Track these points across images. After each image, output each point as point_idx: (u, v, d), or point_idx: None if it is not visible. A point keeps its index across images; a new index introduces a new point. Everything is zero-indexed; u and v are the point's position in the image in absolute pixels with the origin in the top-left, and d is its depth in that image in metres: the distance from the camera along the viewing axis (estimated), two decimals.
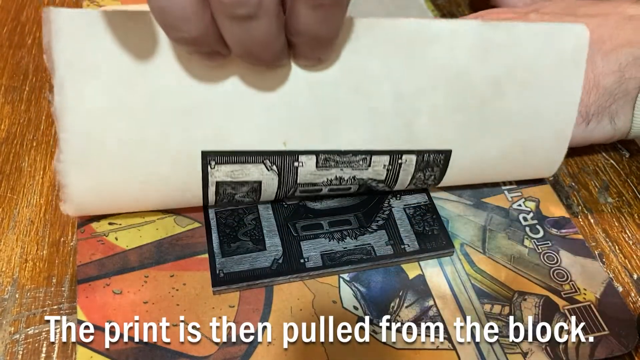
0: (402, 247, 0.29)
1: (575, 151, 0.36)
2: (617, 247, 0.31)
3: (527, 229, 0.31)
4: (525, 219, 0.32)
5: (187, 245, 0.29)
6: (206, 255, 0.28)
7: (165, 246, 0.29)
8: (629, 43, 0.31)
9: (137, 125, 0.25)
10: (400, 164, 0.28)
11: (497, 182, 0.33)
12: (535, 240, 0.31)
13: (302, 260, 0.28)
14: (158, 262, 0.28)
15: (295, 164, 0.27)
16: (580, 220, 0.32)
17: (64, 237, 0.29)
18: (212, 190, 0.27)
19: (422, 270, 0.29)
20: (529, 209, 0.32)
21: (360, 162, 0.28)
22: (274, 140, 0.26)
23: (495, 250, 0.30)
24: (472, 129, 0.28)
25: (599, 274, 0.29)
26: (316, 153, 0.27)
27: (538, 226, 0.31)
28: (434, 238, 0.30)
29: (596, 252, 0.31)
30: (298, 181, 0.28)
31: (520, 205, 0.32)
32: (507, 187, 0.33)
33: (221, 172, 0.26)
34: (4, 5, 0.44)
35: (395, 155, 0.28)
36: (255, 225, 0.30)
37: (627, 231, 0.32)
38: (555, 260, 0.30)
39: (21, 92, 0.37)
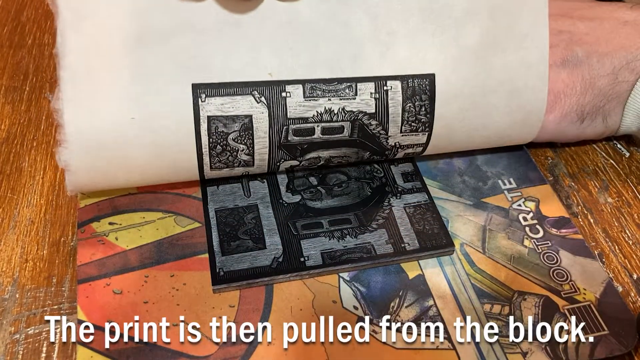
0: (402, 245, 0.29)
1: (575, 151, 0.36)
2: (616, 247, 0.31)
3: (527, 228, 0.31)
4: (525, 218, 0.32)
5: (187, 245, 0.29)
6: (206, 255, 0.29)
7: (165, 246, 0.29)
8: (622, 47, 0.32)
9: (131, 63, 0.26)
10: (386, 90, 0.29)
11: (491, 143, 0.33)
12: (535, 240, 0.31)
13: (302, 259, 0.28)
14: (158, 262, 0.28)
15: (283, 94, 0.28)
16: (580, 220, 0.32)
17: (64, 237, 0.29)
18: (204, 128, 0.27)
19: (422, 270, 0.29)
20: (528, 209, 0.32)
21: (347, 90, 0.28)
22: (260, 72, 0.28)
23: (495, 250, 0.30)
24: (451, 52, 0.29)
25: (599, 274, 0.29)
26: (302, 82, 0.28)
27: (538, 226, 0.31)
28: (434, 237, 0.30)
29: (596, 252, 0.31)
30: (288, 115, 0.28)
31: (520, 205, 0.32)
32: (507, 187, 0.33)
33: (212, 106, 0.27)
34: (4, 5, 0.44)
35: (379, 81, 0.29)
36: (255, 223, 0.30)
37: (627, 231, 0.32)
38: (555, 260, 0.30)
39: (21, 92, 0.37)
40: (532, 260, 0.30)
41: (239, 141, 0.28)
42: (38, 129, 0.35)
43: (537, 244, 0.30)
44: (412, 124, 0.30)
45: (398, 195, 0.32)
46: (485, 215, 0.32)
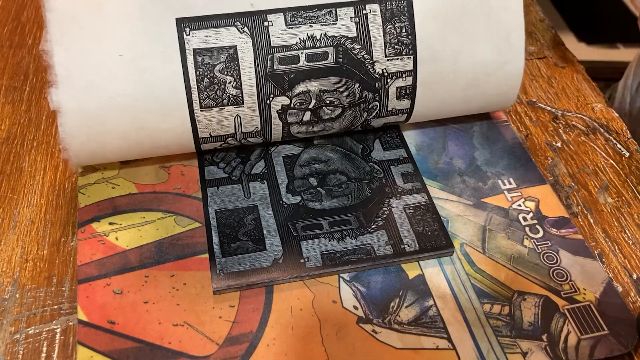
0: (402, 247, 0.29)
1: (575, 151, 0.36)
2: (616, 247, 0.31)
3: (527, 229, 0.31)
4: (525, 219, 0.32)
5: (187, 245, 0.29)
6: (206, 255, 0.29)
7: (166, 246, 0.29)
8: None
9: (115, 2, 0.27)
10: (366, 14, 0.29)
11: (475, 92, 0.33)
12: (535, 240, 0.31)
13: (302, 260, 0.28)
14: (158, 261, 0.28)
15: (265, 23, 0.29)
16: (580, 220, 0.32)
17: (64, 237, 0.29)
18: (190, 61, 0.28)
19: (422, 270, 0.29)
20: (528, 209, 0.32)
21: (327, 16, 0.29)
22: (242, 3, 0.28)
23: (495, 250, 0.30)
24: None
25: (599, 274, 0.29)
26: (283, 11, 0.29)
27: (538, 226, 0.31)
28: (434, 238, 0.30)
29: (596, 252, 0.31)
30: (272, 44, 0.29)
31: (520, 205, 0.32)
32: (507, 187, 0.33)
33: (196, 39, 0.28)
34: (4, 6, 0.44)
35: (358, 5, 0.29)
36: (255, 225, 0.30)
37: (627, 231, 0.32)
38: (555, 260, 0.30)
39: (22, 92, 0.37)
40: (532, 260, 0.30)
41: (226, 72, 0.28)
42: (38, 129, 0.35)
43: (537, 244, 0.30)
44: (395, 46, 0.30)
45: (398, 196, 0.32)
46: (485, 215, 0.32)
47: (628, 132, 0.37)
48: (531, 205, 0.32)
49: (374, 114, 0.32)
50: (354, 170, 0.33)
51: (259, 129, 0.31)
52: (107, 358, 0.25)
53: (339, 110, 0.31)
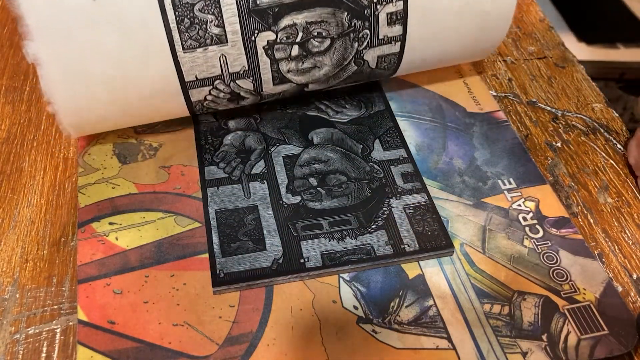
0: (402, 247, 0.29)
1: (575, 151, 0.36)
2: (616, 247, 0.31)
3: (527, 228, 0.31)
4: (524, 218, 0.32)
5: (187, 245, 0.29)
6: (206, 255, 0.29)
7: (166, 246, 0.29)
8: None
9: None
10: None
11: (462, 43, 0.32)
12: (534, 240, 0.31)
13: (302, 260, 0.28)
14: (158, 261, 0.28)
15: None
16: (580, 220, 0.32)
17: (64, 237, 0.29)
18: (168, 2, 0.27)
19: (422, 270, 0.29)
20: (528, 209, 0.32)
21: None
22: None
23: (495, 250, 0.30)
24: None
25: (599, 273, 0.29)
26: None
27: (538, 226, 0.31)
28: (434, 238, 0.30)
29: (596, 252, 0.31)
30: None
31: (519, 205, 0.32)
32: (507, 187, 0.33)
33: None
34: (4, 5, 0.44)
35: None
36: (255, 225, 0.30)
37: (627, 231, 0.32)
38: (555, 260, 0.30)
39: (22, 92, 0.37)
40: (532, 260, 0.30)
41: (206, 11, 0.27)
42: (38, 129, 0.35)
43: (537, 244, 0.30)
44: None
45: (398, 196, 0.32)
46: (485, 215, 0.32)
47: (628, 132, 0.37)
48: (531, 205, 0.32)
49: (365, 43, 0.31)
50: (354, 170, 0.33)
51: (247, 68, 0.30)
52: (107, 358, 0.25)
53: (327, 42, 0.30)
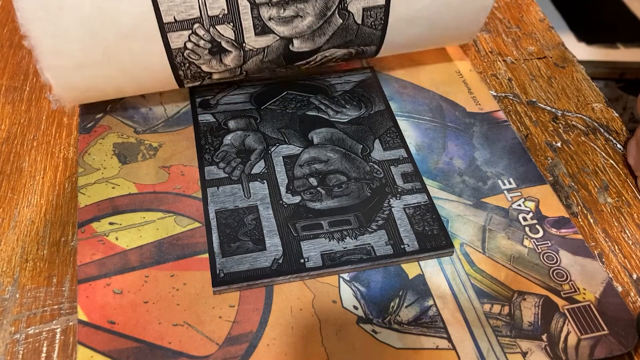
0: (402, 247, 0.29)
1: (575, 151, 0.36)
2: (616, 247, 0.31)
3: (527, 228, 0.31)
4: (524, 218, 0.32)
5: (187, 245, 0.29)
6: (206, 255, 0.29)
7: (166, 246, 0.29)
8: None
9: None
10: None
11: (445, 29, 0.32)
12: (534, 240, 0.31)
13: (302, 260, 0.28)
14: (158, 261, 0.28)
15: None
16: (580, 220, 0.32)
17: (64, 237, 0.29)
18: None
19: (422, 270, 0.29)
20: (528, 209, 0.32)
21: None
22: None
23: (495, 250, 0.30)
24: None
25: (599, 273, 0.29)
26: None
27: (538, 226, 0.31)
28: (434, 238, 0.30)
29: (596, 252, 0.31)
30: None
31: (519, 205, 0.32)
32: (507, 187, 0.33)
33: None
34: (4, 5, 0.44)
35: None
36: (255, 225, 0.30)
37: (627, 231, 0.32)
38: (555, 260, 0.30)
39: (22, 92, 0.37)
40: (531, 260, 0.30)
41: None
42: (38, 129, 0.35)
43: (536, 244, 0.30)
44: None
45: (398, 196, 0.32)
46: (485, 215, 0.32)
47: (628, 132, 0.37)
48: (531, 205, 0.32)
49: None
50: (354, 170, 0.33)
51: (226, 11, 0.29)
52: (107, 358, 0.25)
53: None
